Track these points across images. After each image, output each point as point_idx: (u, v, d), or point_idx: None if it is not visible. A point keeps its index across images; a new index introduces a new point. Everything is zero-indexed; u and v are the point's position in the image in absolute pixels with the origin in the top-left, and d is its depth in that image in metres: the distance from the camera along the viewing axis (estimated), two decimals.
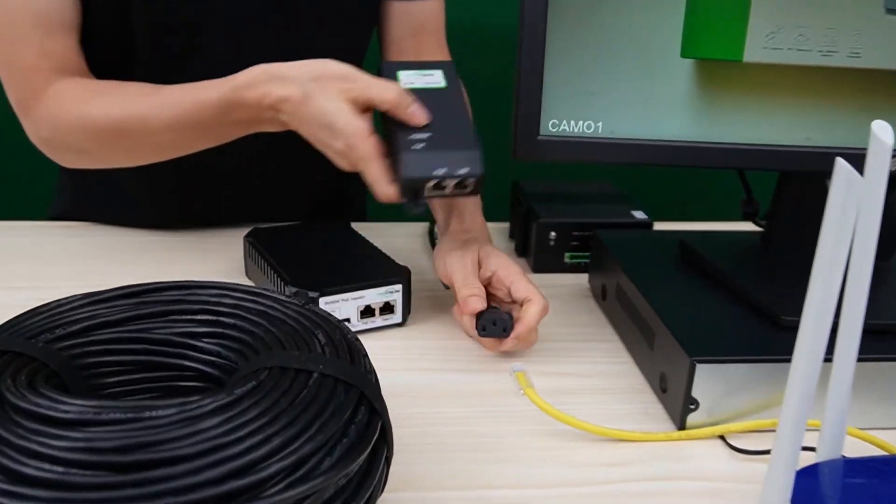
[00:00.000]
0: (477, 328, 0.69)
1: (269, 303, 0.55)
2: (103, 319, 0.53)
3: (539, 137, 0.64)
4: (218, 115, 0.69)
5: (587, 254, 0.88)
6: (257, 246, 0.79)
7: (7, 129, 1.52)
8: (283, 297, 0.56)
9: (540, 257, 0.88)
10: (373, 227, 0.99)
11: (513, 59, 0.64)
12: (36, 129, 0.79)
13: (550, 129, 0.64)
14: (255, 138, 0.92)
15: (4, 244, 0.90)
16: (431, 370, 0.69)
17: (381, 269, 0.75)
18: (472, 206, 0.81)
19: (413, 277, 0.76)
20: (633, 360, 0.71)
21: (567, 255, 0.88)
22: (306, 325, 0.53)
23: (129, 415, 0.41)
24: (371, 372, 0.50)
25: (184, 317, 0.54)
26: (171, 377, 0.53)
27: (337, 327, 0.53)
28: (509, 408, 0.63)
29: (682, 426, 0.61)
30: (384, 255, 0.78)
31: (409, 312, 0.75)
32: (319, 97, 0.64)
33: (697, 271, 0.74)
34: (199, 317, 0.54)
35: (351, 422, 0.45)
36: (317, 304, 0.70)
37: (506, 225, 1.00)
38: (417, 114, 0.65)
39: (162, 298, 0.56)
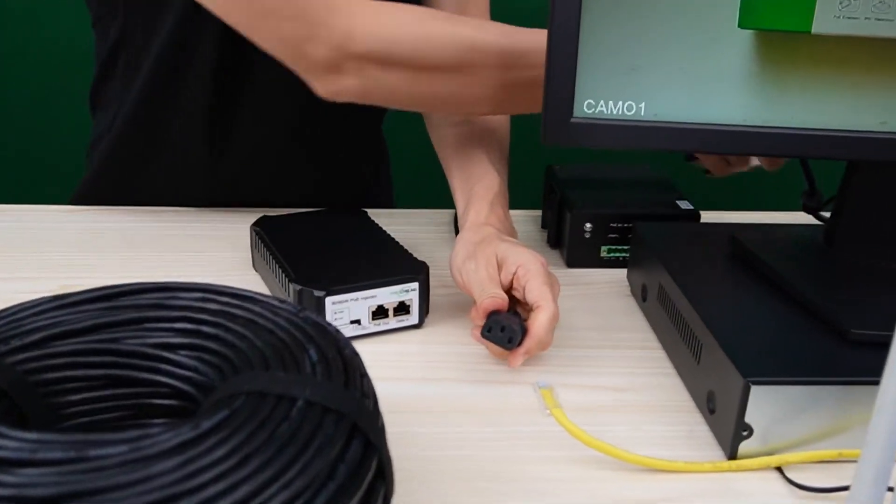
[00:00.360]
0: (482, 327, 0.60)
1: (258, 309, 0.48)
2: (68, 327, 0.46)
3: (572, 120, 0.56)
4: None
5: (626, 247, 0.80)
6: (263, 237, 0.72)
7: (36, 111, 1.48)
8: (275, 303, 0.49)
9: (574, 250, 0.80)
10: (395, 214, 0.91)
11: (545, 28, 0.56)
12: (341, 50, 0.65)
13: (585, 110, 0.56)
14: (284, 118, 0.86)
15: (14, 229, 0.84)
16: (448, 380, 0.61)
17: (396, 265, 0.67)
18: (493, 194, 0.73)
19: (435, 271, 0.69)
20: (676, 372, 0.63)
21: (604, 248, 0.80)
22: (297, 338, 0.46)
23: (71, 453, 0.35)
24: (369, 395, 0.43)
25: (160, 325, 0.48)
26: (143, 394, 0.47)
27: (333, 341, 0.46)
28: (533, 428, 0.56)
29: (732, 455, 0.53)
30: (401, 248, 0.71)
31: (426, 313, 0.68)
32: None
33: (751, 272, 0.65)
34: (177, 325, 0.47)
35: (341, 459, 0.38)
36: (322, 304, 0.63)
37: (538, 213, 0.92)
38: None
39: (138, 302, 0.49)
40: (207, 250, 0.80)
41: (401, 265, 0.67)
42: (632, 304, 0.74)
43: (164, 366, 0.46)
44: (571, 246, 0.80)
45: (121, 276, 0.75)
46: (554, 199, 0.84)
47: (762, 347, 0.54)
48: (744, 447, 0.52)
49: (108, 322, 0.47)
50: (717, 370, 0.55)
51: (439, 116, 0.84)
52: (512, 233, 0.72)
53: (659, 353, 0.66)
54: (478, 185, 0.74)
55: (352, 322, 0.64)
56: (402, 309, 0.66)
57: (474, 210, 0.72)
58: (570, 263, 0.81)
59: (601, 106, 0.56)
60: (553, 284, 0.63)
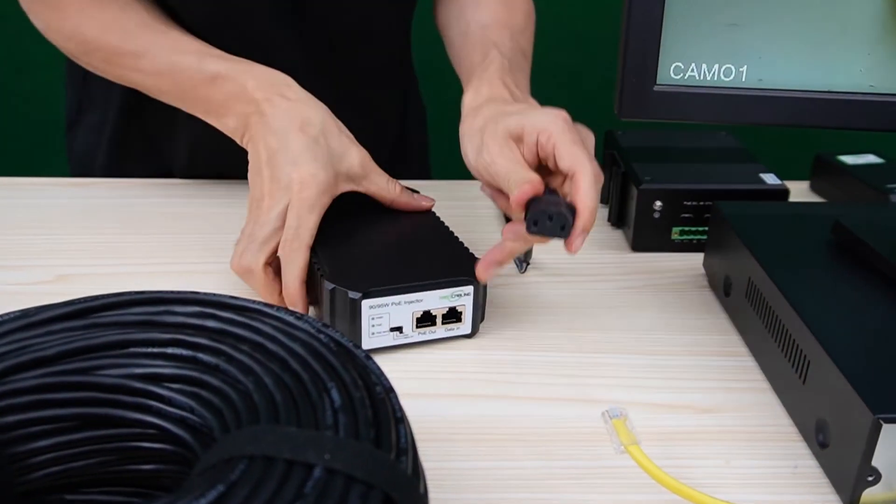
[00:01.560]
0: (526, 222, 0.50)
1: (268, 330, 0.39)
2: (36, 354, 0.38)
3: (656, 88, 0.46)
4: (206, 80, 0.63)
5: (702, 228, 0.69)
6: None
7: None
8: (290, 319, 0.40)
9: (641, 232, 0.70)
10: (439, 187, 0.82)
11: None
12: (34, 16, 0.70)
13: (672, 76, 0.45)
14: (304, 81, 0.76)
15: (9, 206, 0.76)
16: (502, 398, 0.52)
17: (448, 262, 0.57)
18: (493, 69, 0.63)
19: None
20: (771, 387, 0.53)
21: (675, 229, 0.69)
22: (316, 372, 0.36)
23: None
24: (407, 451, 0.34)
25: (149, 349, 0.39)
26: (126, 437, 0.38)
27: (362, 373, 0.37)
28: (600, 462, 0.46)
29: (853, 503, 0.43)
30: (456, 240, 0.60)
31: (481, 320, 0.58)
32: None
33: (863, 268, 0.55)
34: (169, 350, 0.38)
35: None
36: (358, 308, 0.53)
37: None
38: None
39: (122, 319, 0.40)
40: (222, 230, 0.71)
41: (454, 263, 0.57)
42: (711, 299, 0.63)
43: (153, 403, 0.37)
44: (638, 227, 0.69)
45: (126, 264, 0.66)
46: (617, 172, 0.74)
47: (892, 370, 0.44)
48: (868, 495, 0.43)
49: (84, 346, 0.38)
50: (832, 396, 0.45)
51: (445, 20, 0.77)
52: (522, 100, 0.62)
53: (748, 362, 0.56)
54: (477, 68, 0.65)
55: (392, 329, 0.55)
56: (453, 316, 0.56)
57: (470, 93, 0.62)
58: (636, 247, 0.70)
59: (692, 70, 0.45)
60: (585, 139, 0.54)
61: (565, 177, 0.52)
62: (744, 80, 0.45)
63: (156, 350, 0.38)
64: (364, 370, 0.38)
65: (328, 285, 0.54)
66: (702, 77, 0.45)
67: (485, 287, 0.57)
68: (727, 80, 0.45)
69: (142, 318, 0.40)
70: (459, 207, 0.78)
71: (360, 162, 0.61)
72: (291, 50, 0.72)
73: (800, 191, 0.82)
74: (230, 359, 0.37)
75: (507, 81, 0.61)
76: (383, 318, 0.54)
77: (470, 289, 0.55)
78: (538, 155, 0.54)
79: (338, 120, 0.61)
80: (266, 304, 0.41)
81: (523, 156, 0.54)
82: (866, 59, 0.44)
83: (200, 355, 0.38)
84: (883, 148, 0.82)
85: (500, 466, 0.46)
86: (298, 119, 0.58)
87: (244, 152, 0.61)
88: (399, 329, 0.55)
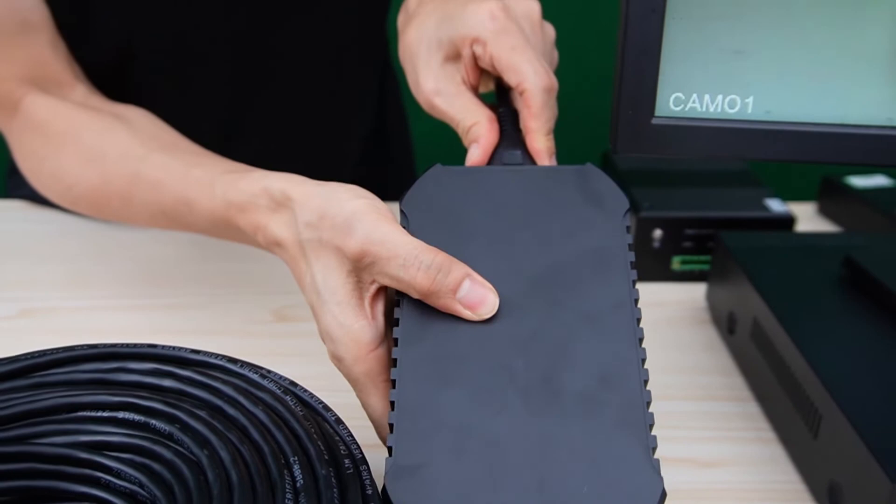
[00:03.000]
0: None
1: (228, 391, 0.36)
2: None
3: (654, 121, 0.42)
4: (208, 227, 0.47)
5: (704, 258, 0.66)
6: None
7: None
8: (254, 377, 0.37)
9: (640, 262, 0.66)
10: None
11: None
12: (12, 150, 0.59)
13: (672, 107, 0.42)
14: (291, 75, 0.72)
15: None
16: None
17: None
18: None
19: None
20: (777, 437, 0.50)
21: (676, 258, 0.66)
22: (278, 443, 0.33)
23: None
24: None
25: (98, 413, 0.35)
26: None
27: (328, 446, 0.33)
28: None
29: None
30: None
31: None
32: (313, 262, 0.39)
33: (879, 308, 0.51)
34: (120, 414, 0.35)
35: None
36: None
37: None
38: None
39: (71, 378, 0.37)
40: (196, 259, 0.68)
41: None
42: (713, 335, 0.60)
43: (100, 474, 0.34)
44: (637, 256, 0.66)
45: (94, 297, 0.62)
46: None
47: None
48: None
49: (27, 410, 0.35)
50: (847, 455, 0.41)
51: None
52: None
53: (753, 408, 0.52)
54: None
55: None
56: None
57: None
58: None
59: (693, 101, 0.42)
60: (534, 34, 0.48)
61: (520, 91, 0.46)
62: (749, 111, 0.42)
63: (105, 414, 0.35)
64: (333, 438, 0.34)
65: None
66: (704, 108, 0.42)
67: None
68: (732, 112, 0.42)
69: (93, 376, 0.37)
70: None
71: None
72: (270, 51, 0.68)
73: (807, 214, 0.78)
74: (185, 427, 0.34)
75: None
76: None
77: None
78: (480, 69, 0.47)
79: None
80: (229, 360, 0.38)
81: (466, 78, 0.47)
82: (884, 89, 0.41)
83: (154, 422, 0.34)
84: (894, 169, 0.79)
85: None
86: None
87: None
88: None
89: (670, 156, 0.42)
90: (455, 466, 0.32)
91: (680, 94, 0.42)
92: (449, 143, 0.54)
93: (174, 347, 0.39)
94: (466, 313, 0.37)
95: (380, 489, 0.32)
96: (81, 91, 0.58)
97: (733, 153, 0.42)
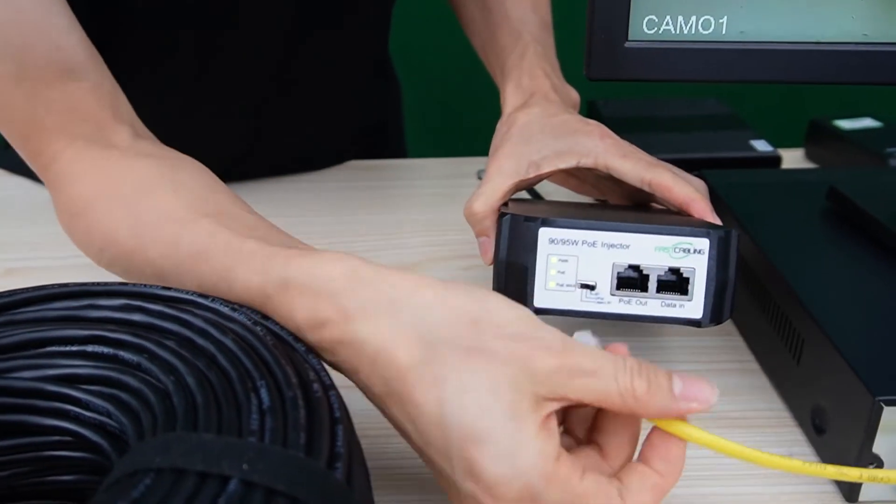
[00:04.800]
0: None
1: (199, 323, 0.35)
2: None
3: (627, 45, 0.41)
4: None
5: None
6: None
7: None
8: (225, 310, 0.36)
9: None
10: (414, 166, 0.78)
11: None
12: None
13: (645, 30, 0.41)
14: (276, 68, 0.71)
15: None
16: None
17: (678, 219, 0.44)
18: (532, 51, 0.57)
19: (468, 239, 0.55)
20: (762, 368, 0.49)
21: None
22: (246, 368, 0.32)
23: None
24: (343, 457, 0.30)
25: (67, 348, 0.35)
26: (42, 445, 0.34)
27: (297, 372, 0.33)
28: None
29: (851, 496, 0.39)
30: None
31: (731, 307, 0.41)
32: (461, 374, 0.32)
33: (862, 237, 0.51)
34: (89, 348, 0.35)
35: None
36: (534, 240, 0.40)
37: None
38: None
39: (41, 315, 0.36)
40: None
41: (682, 220, 0.43)
42: None
43: (69, 407, 0.34)
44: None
45: (80, 255, 0.62)
46: None
47: (893, 349, 0.40)
48: (869, 484, 0.39)
49: None
50: (829, 377, 0.41)
51: None
52: (563, 93, 0.55)
53: (737, 342, 0.52)
54: (511, 57, 0.58)
55: (582, 286, 0.40)
56: (675, 286, 0.40)
57: (510, 88, 0.55)
58: None
59: (667, 23, 0.41)
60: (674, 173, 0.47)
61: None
62: (724, 32, 0.41)
63: (74, 348, 0.35)
64: (302, 366, 0.34)
65: (502, 215, 0.42)
66: (678, 31, 0.41)
67: (735, 255, 0.40)
68: (706, 34, 0.41)
69: (63, 313, 0.37)
70: (437, 186, 0.74)
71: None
72: (271, 22, 0.67)
73: (794, 159, 0.77)
74: (153, 356, 0.33)
75: (546, 69, 0.56)
76: (569, 262, 0.40)
77: (705, 243, 0.39)
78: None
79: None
80: (200, 295, 0.38)
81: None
82: (858, 4, 0.40)
83: (122, 353, 0.34)
84: (881, 110, 0.78)
85: None
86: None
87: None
88: (591, 287, 0.40)
89: (646, 79, 0.42)
90: None
91: (653, 17, 0.41)
92: (442, 144, 0.55)
93: (145, 285, 0.38)
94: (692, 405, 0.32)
95: (349, 415, 0.32)
96: (126, 135, 0.49)
97: (709, 76, 0.41)
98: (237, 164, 0.72)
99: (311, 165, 0.78)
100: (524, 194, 0.61)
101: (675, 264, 0.39)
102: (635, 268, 0.39)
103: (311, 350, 0.36)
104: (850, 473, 0.33)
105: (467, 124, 0.80)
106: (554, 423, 0.32)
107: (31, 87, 0.46)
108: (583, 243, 0.39)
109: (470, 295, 0.33)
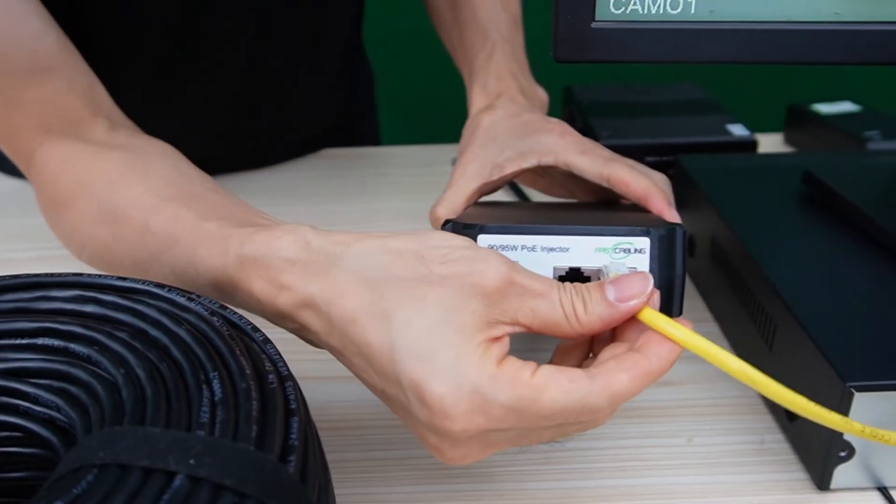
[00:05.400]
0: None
1: (152, 314, 0.34)
2: None
3: (594, 25, 0.40)
4: (212, 292, 0.39)
5: None
6: None
7: None
8: (181, 300, 0.35)
9: None
10: (391, 153, 0.77)
11: None
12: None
13: (613, 10, 0.40)
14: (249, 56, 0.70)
15: None
16: None
17: (623, 217, 0.42)
18: (500, 51, 0.56)
19: None
20: (735, 353, 0.49)
21: None
22: (199, 359, 0.31)
23: None
24: (297, 450, 0.29)
25: (17, 341, 0.34)
26: None
27: (253, 363, 0.32)
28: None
29: (824, 482, 0.38)
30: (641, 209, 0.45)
31: (678, 310, 0.39)
32: (420, 301, 0.32)
33: (838, 222, 0.50)
34: (39, 340, 0.34)
35: None
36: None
37: None
38: None
39: None
40: None
41: (631, 218, 0.41)
42: None
43: (18, 402, 0.32)
44: None
45: (53, 247, 0.61)
46: (574, 128, 0.68)
47: (865, 334, 0.40)
48: (841, 472, 0.38)
49: None
50: (801, 363, 0.40)
51: None
52: (530, 93, 0.55)
53: (712, 328, 0.51)
54: (478, 56, 0.58)
55: None
56: None
57: (477, 89, 0.55)
58: None
59: (634, 3, 0.40)
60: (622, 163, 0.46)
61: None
62: (693, 11, 0.40)
63: (24, 341, 0.34)
64: (259, 356, 0.33)
65: (445, 223, 0.40)
66: (645, 10, 0.40)
67: (682, 249, 0.37)
68: (674, 13, 0.40)
69: (14, 305, 0.36)
70: (412, 174, 0.73)
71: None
72: (245, 8, 0.65)
73: (773, 143, 0.77)
74: (103, 348, 0.32)
75: (514, 70, 0.56)
76: None
77: (645, 242, 0.37)
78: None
79: None
80: (156, 285, 0.37)
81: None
82: None
83: (72, 346, 0.33)
84: (859, 94, 0.78)
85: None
86: None
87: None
88: None
89: (613, 60, 0.41)
90: None
91: None
92: (416, 133, 0.54)
93: (100, 276, 0.37)
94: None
95: (306, 407, 0.31)
96: (102, 128, 0.49)
97: (678, 56, 0.41)
98: (210, 156, 0.71)
99: (286, 155, 0.77)
100: (502, 196, 0.59)
101: (616, 262, 0.37)
102: (576, 270, 0.37)
103: (279, 320, 0.36)
104: (854, 426, 0.32)
105: (442, 112, 0.79)
106: (505, 342, 0.32)
107: (9, 91, 0.47)
108: (522, 248, 0.38)
109: (411, 235, 0.34)
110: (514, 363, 0.31)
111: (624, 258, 0.37)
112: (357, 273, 0.33)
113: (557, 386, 0.30)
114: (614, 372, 0.31)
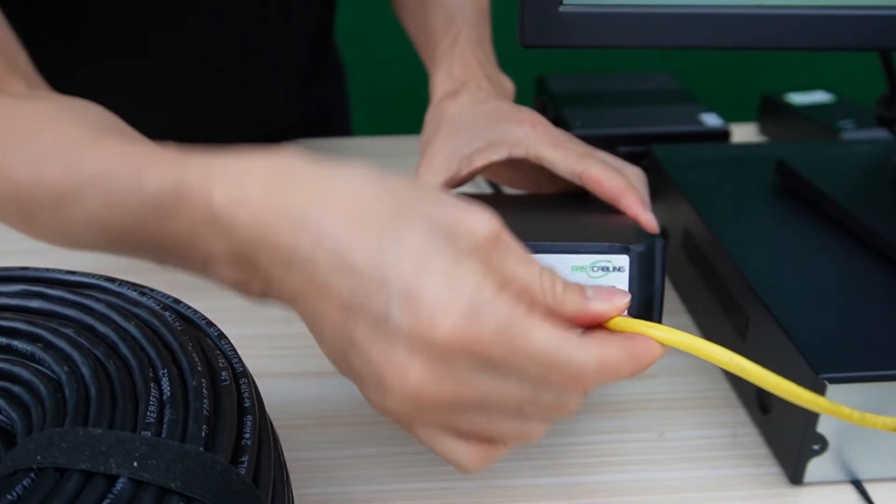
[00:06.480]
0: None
1: (102, 310, 0.33)
2: None
3: (562, 9, 0.39)
4: (149, 217, 0.32)
5: None
6: None
7: None
8: (134, 295, 0.34)
9: None
10: (362, 144, 0.75)
11: None
12: None
13: None
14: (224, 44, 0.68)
15: None
16: None
17: (596, 229, 0.39)
18: (465, 36, 0.54)
19: None
20: None
21: None
22: (149, 358, 0.30)
23: None
24: (250, 451, 0.28)
25: None
26: None
27: (206, 360, 0.31)
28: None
29: (797, 476, 0.38)
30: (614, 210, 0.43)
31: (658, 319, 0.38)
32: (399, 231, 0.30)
33: (810, 211, 0.49)
34: None
35: None
36: None
37: None
38: None
39: None
40: None
41: (606, 230, 0.39)
42: None
43: None
44: None
45: (8, 241, 0.59)
46: (547, 118, 0.67)
47: (838, 326, 0.39)
48: (814, 465, 0.37)
49: None
50: (773, 355, 0.39)
51: None
52: (495, 79, 0.53)
53: (684, 320, 0.50)
54: (442, 42, 0.55)
55: None
56: None
57: (441, 75, 0.53)
58: None
59: None
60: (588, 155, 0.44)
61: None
62: None
63: None
64: (213, 352, 0.32)
65: None
66: None
67: (659, 265, 0.36)
68: None
69: None
70: (384, 166, 0.71)
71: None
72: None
73: (747, 133, 0.76)
74: (48, 345, 0.31)
75: (480, 57, 0.53)
76: None
77: (624, 260, 0.35)
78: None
79: None
80: (107, 279, 0.35)
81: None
82: None
83: (15, 343, 0.31)
84: (833, 84, 0.77)
85: (403, 452, 0.40)
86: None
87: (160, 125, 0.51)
88: None
89: (581, 45, 0.40)
90: None
91: None
92: (388, 125, 0.52)
93: (48, 269, 0.36)
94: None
95: (262, 405, 0.30)
96: (22, 85, 0.45)
97: (646, 42, 0.40)
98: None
99: (258, 146, 0.75)
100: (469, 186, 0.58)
101: (595, 280, 0.35)
102: None
103: (232, 245, 0.30)
104: (843, 411, 0.31)
105: (413, 103, 0.78)
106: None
107: None
108: None
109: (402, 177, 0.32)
110: (510, 295, 0.29)
111: (602, 276, 0.35)
112: (350, 194, 0.31)
113: (552, 329, 0.29)
114: (607, 342, 0.30)
